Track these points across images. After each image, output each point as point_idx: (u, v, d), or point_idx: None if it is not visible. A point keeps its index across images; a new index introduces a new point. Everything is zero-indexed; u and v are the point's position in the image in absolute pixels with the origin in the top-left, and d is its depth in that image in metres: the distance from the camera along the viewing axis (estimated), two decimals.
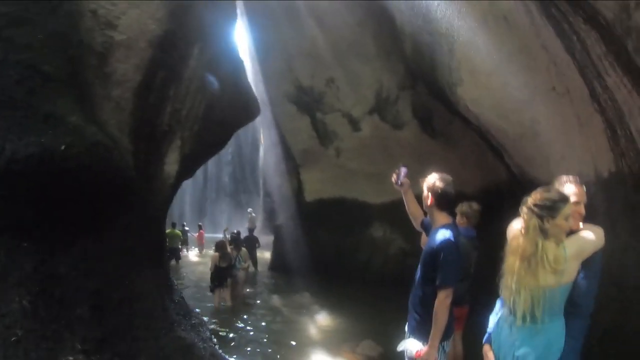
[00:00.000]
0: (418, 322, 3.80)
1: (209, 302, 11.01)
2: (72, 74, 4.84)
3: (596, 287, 3.08)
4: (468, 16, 7.06)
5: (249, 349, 7.93)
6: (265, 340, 8.45)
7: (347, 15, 12.08)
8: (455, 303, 3.78)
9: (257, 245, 16.72)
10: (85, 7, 5.18)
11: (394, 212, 12.81)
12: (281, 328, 9.36)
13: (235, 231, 14.96)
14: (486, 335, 3.39)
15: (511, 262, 3.03)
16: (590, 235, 3.01)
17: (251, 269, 15.59)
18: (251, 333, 8.86)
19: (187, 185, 36.56)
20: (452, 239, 3.59)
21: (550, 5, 5.45)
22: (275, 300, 12.20)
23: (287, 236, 16.19)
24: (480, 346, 3.41)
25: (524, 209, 3.00)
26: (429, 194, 3.80)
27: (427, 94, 10.52)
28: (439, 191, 3.74)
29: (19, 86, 4.21)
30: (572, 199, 3.05)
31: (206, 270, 12.11)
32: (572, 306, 3.01)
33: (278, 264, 16.45)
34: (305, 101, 14.37)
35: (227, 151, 38.77)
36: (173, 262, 16.86)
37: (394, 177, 4.11)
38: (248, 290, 13.06)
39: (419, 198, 4.08)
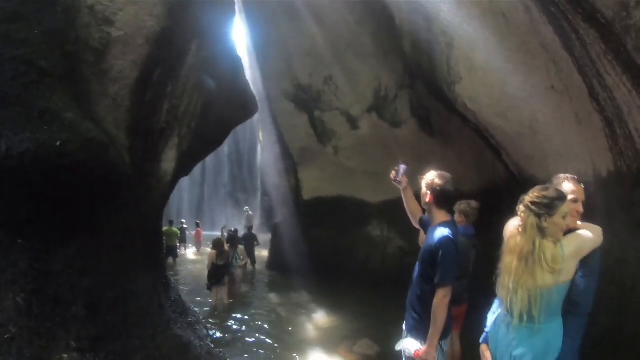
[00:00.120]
0: (416, 321, 3.77)
1: (206, 300, 10.99)
2: (68, 70, 4.82)
3: (595, 286, 3.06)
4: (467, 14, 7.03)
5: (245, 347, 7.91)
6: (262, 338, 8.43)
7: (346, 14, 12.05)
8: (453, 302, 3.76)
9: (255, 243, 16.71)
10: (83, 4, 5.17)
11: (392, 211, 12.80)
12: (278, 327, 9.33)
13: (233, 229, 14.95)
14: (483, 335, 3.37)
15: (508, 262, 3.01)
16: (588, 234, 2.99)
17: (249, 267, 15.60)
18: (248, 331, 8.83)
19: (185, 183, 36.57)
20: (450, 236, 3.56)
21: (549, 3, 5.43)
22: (273, 298, 12.18)
23: (284, 234, 16.15)
24: (478, 345, 3.40)
25: (521, 207, 2.99)
26: (428, 191, 3.77)
27: (425, 92, 10.49)
28: (438, 188, 3.72)
29: (15, 82, 4.18)
30: (570, 197, 3.03)
31: (204, 268, 12.09)
32: (570, 305, 2.99)
33: (276, 263, 16.43)
34: (304, 99, 14.33)
35: (225, 149, 38.74)
36: (170, 260, 16.82)
37: (393, 174, 4.08)
38: (245, 288, 13.02)
39: (417, 196, 4.05)
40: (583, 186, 3.23)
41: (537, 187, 3.02)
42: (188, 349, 5.85)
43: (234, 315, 9.97)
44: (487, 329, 3.36)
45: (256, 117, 13.49)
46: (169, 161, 6.64)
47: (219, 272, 10.62)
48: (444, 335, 3.68)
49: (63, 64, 4.71)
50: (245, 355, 7.60)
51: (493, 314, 3.34)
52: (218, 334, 8.26)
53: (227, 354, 7.28)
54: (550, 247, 2.86)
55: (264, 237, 20.16)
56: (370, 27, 12.01)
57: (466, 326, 5.69)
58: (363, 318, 9.50)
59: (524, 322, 2.93)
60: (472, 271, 5.69)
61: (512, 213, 3.15)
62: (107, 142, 4.94)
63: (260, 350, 7.79)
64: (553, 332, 2.95)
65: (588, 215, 3.20)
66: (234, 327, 9.13)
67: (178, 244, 19.54)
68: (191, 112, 6.90)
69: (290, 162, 15.92)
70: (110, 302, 4.88)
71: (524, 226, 2.93)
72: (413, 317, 3.82)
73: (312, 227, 15.03)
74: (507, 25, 6.54)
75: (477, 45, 7.06)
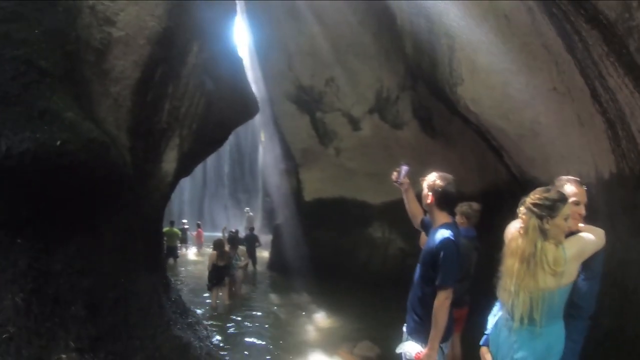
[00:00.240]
0: (417, 323, 3.75)
1: (206, 301, 10.97)
2: (69, 70, 4.81)
3: (597, 288, 3.05)
4: (469, 15, 7.02)
5: (245, 348, 7.89)
6: (262, 340, 8.42)
7: (348, 14, 12.02)
8: (454, 304, 3.73)
9: (257, 244, 16.70)
10: (84, 4, 5.17)
11: (394, 212, 12.76)
12: (278, 328, 9.32)
13: (234, 230, 14.94)
14: (484, 338, 3.35)
15: (510, 264, 2.99)
16: (590, 236, 2.97)
17: (250, 267, 15.59)
18: (248, 332, 8.81)
19: (186, 183, 36.57)
20: (452, 238, 3.54)
21: (551, 4, 5.42)
22: (273, 299, 12.17)
23: (286, 235, 16.13)
24: (479, 348, 3.38)
25: (522, 209, 2.97)
26: (429, 192, 3.75)
27: (427, 93, 10.46)
28: (440, 190, 3.69)
29: (15, 81, 4.17)
30: (572, 199, 3.01)
31: (204, 269, 12.07)
32: (572, 308, 2.97)
33: (277, 263, 16.41)
34: (305, 100, 14.32)
35: (227, 150, 38.70)
36: (171, 260, 16.80)
37: (394, 175, 4.06)
38: (246, 289, 13.00)
39: (418, 197, 4.04)
40: (585, 188, 3.21)
41: (539, 189, 3.00)
42: (188, 349, 5.85)
43: (234, 316, 9.95)
44: (487, 332, 3.34)
45: (257, 118, 13.48)
46: (170, 161, 6.64)
47: (219, 273, 10.61)
48: (445, 337, 3.65)
49: (63, 63, 4.70)
50: (245, 353, 7.60)
51: (494, 317, 3.32)
52: (218, 335, 8.23)
53: (227, 355, 7.27)
54: (552, 249, 2.84)
55: (265, 238, 20.13)
56: (371, 28, 11.99)
57: (467, 329, 5.67)
58: (363, 319, 9.47)
59: (525, 325, 2.91)
60: (473, 273, 5.66)
61: (514, 215, 3.13)
62: (108, 143, 4.94)
63: (260, 352, 7.77)
64: (554, 335, 2.93)
65: (590, 217, 3.19)
66: (234, 328, 9.10)
67: (179, 245, 19.51)
68: (192, 113, 6.89)
69: (292, 163, 15.91)
70: (111, 302, 4.87)
71: (526, 228, 2.91)
72: (414, 319, 3.79)
73: (313, 228, 15.02)
74: (509, 26, 6.53)
75: (479, 47, 7.04)
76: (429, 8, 7.77)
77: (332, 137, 14.47)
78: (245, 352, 7.68)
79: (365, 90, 13.19)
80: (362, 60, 12.72)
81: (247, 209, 28.08)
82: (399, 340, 3.97)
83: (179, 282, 12.59)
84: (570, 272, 2.87)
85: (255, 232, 17.67)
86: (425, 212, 4.01)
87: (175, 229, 18.58)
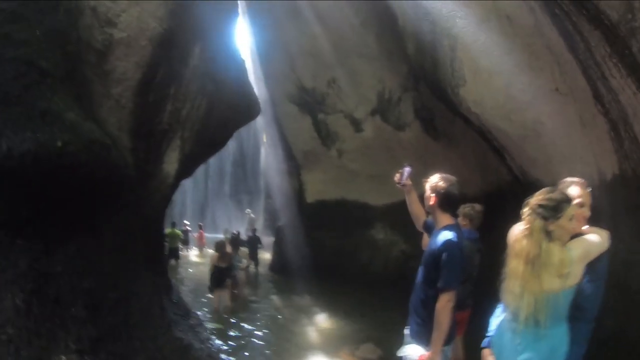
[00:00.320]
0: (419, 326, 3.71)
1: (208, 302, 10.96)
2: (70, 71, 4.80)
3: (602, 290, 3.03)
4: (471, 16, 7.02)
5: (247, 350, 7.88)
6: (263, 342, 8.41)
7: (350, 15, 12.01)
8: (457, 307, 3.70)
9: (259, 245, 16.70)
10: (85, 5, 5.15)
11: (396, 214, 12.75)
12: (280, 330, 9.30)
13: (236, 231, 14.93)
14: (486, 340, 3.32)
15: (514, 266, 2.96)
16: (595, 238, 2.95)
17: (252, 269, 15.58)
18: (250, 334, 8.80)
19: (188, 184, 36.56)
20: (455, 240, 3.51)
21: (553, 4, 5.41)
22: (275, 301, 12.15)
23: (288, 237, 16.12)
24: (481, 351, 3.35)
25: (527, 211, 2.94)
26: (432, 194, 3.72)
27: (429, 94, 10.45)
28: (442, 191, 3.66)
29: (15, 82, 4.15)
30: (576, 201, 2.99)
31: (206, 270, 12.07)
32: (577, 310, 2.95)
33: (279, 265, 16.39)
34: (307, 102, 14.32)
35: (229, 151, 38.70)
36: (173, 261, 16.77)
37: (397, 177, 4.04)
38: (248, 291, 12.99)
39: (421, 199, 4.01)
40: (590, 190, 3.19)
41: (543, 190, 2.98)
42: (189, 351, 5.83)
43: (235, 317, 9.94)
44: (490, 334, 3.31)
45: (260, 119, 13.49)
46: (171, 163, 6.64)
47: (221, 275, 10.59)
48: (448, 340, 3.62)
49: (64, 64, 4.69)
50: (247, 354, 7.58)
51: (496, 319, 3.29)
52: (219, 337, 8.21)
53: (228, 357, 7.25)
54: (557, 250, 2.82)
55: (267, 239, 20.12)
56: (373, 29, 11.98)
57: (469, 331, 5.64)
58: (365, 321, 9.46)
59: (530, 326, 2.88)
60: (475, 275, 5.63)
61: (516, 217, 3.11)
62: (109, 143, 4.92)
63: (262, 353, 7.76)
64: (559, 338, 2.91)
65: (593, 219, 3.17)
66: (236, 329, 9.09)
67: (180, 246, 19.50)
68: (194, 114, 6.89)
69: (294, 164, 15.91)
70: (111, 303, 4.85)
71: (530, 229, 2.88)
72: (416, 321, 3.76)
73: (315, 229, 15.01)
74: (512, 26, 6.52)
75: (481, 48, 7.04)
76: (431, 9, 7.77)
77: (334, 139, 14.47)
78: (247, 354, 7.68)
79: (368, 91, 13.19)
80: (364, 62, 12.72)
81: (249, 210, 28.07)
82: (400, 342, 3.95)
83: (180, 284, 12.56)
84: (575, 273, 2.84)
85: (257, 233, 17.66)
86: (428, 213, 3.98)
87: (177, 231, 18.59)
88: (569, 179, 3.22)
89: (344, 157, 14.65)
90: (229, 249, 11.32)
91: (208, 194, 41.61)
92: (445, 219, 3.72)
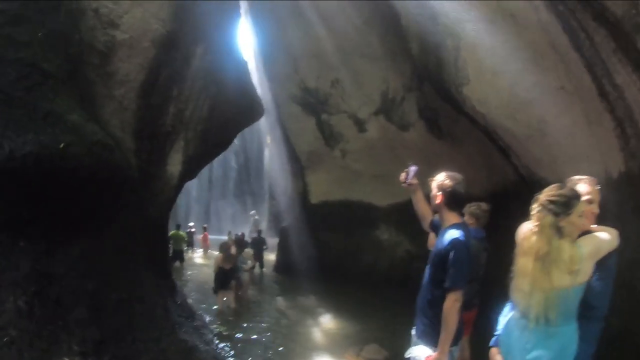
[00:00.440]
0: (426, 326, 3.66)
1: (212, 304, 10.94)
2: (72, 73, 4.80)
3: (611, 288, 2.99)
4: (475, 15, 6.98)
5: (252, 351, 7.85)
6: (268, 343, 8.38)
7: (353, 15, 11.96)
8: (463, 307, 3.66)
9: (264, 247, 16.69)
10: (87, 6, 5.16)
11: (400, 214, 12.74)
12: (285, 331, 9.27)
13: (240, 233, 14.92)
14: (494, 339, 3.28)
15: (523, 263, 2.93)
16: (605, 235, 2.92)
17: (257, 270, 15.56)
18: (254, 336, 8.77)
19: (192, 186, 36.63)
20: (462, 239, 3.46)
21: (558, 2, 5.37)
22: (280, 302, 12.12)
23: (292, 238, 16.10)
24: (488, 351, 3.31)
25: (536, 207, 2.90)
26: (439, 192, 3.68)
27: (433, 94, 10.40)
28: (449, 190, 3.61)
29: (18, 84, 4.16)
30: (585, 198, 2.95)
31: (210, 272, 12.04)
32: (585, 309, 2.91)
33: (283, 266, 16.37)
34: (311, 102, 14.29)
35: (233, 153, 38.76)
36: (177, 263, 16.77)
37: (402, 176, 3.98)
38: (252, 292, 12.96)
39: (426, 199, 3.97)
40: (598, 187, 3.15)
41: (552, 186, 2.94)
42: (193, 353, 5.81)
43: (240, 319, 9.92)
44: (497, 332, 3.27)
45: (263, 120, 13.47)
46: (175, 164, 6.63)
47: (225, 276, 10.56)
48: (455, 341, 3.57)
49: (67, 66, 4.69)
50: (251, 356, 7.55)
51: (504, 317, 3.25)
52: (224, 339, 8.19)
53: (233, 359, 7.23)
54: (567, 247, 2.78)
55: (272, 240, 20.11)
56: (377, 28, 11.93)
57: (476, 331, 5.59)
58: (370, 322, 9.43)
59: (540, 324, 2.85)
60: (482, 275, 5.58)
61: (522, 216, 3.08)
62: (113, 145, 4.92)
63: (266, 355, 7.73)
64: (568, 336, 2.87)
65: (599, 217, 3.13)
66: (241, 331, 9.06)
67: (185, 248, 19.50)
68: (197, 115, 6.88)
69: (298, 165, 15.89)
70: (114, 305, 4.84)
71: (541, 226, 2.84)
72: (423, 322, 3.71)
73: (319, 230, 14.99)
74: (516, 25, 6.48)
75: (485, 46, 7.00)
76: (435, 8, 7.73)
77: (338, 139, 14.43)
78: (252, 356, 7.65)
79: (371, 91, 13.14)
80: (367, 62, 12.68)
81: (253, 212, 28.08)
82: (406, 343, 3.91)
83: (184, 286, 12.55)
84: (586, 270, 2.81)
85: (262, 235, 17.66)
86: (434, 212, 3.94)
87: (182, 232, 18.57)
88: (576, 177, 3.18)
89: (348, 157, 14.61)
90: (233, 250, 11.29)
91: (212, 195, 41.64)
92: (452, 217, 3.67)
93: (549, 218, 2.80)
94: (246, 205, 38.07)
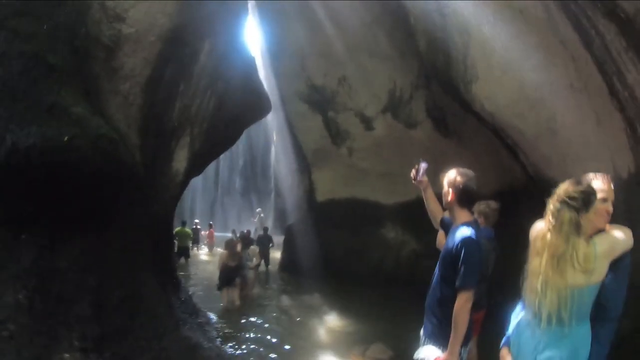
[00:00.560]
0: (436, 327, 3.58)
1: (217, 301, 10.92)
2: (78, 66, 4.78)
3: (625, 289, 2.92)
4: (483, 12, 6.91)
5: (256, 350, 7.82)
6: (273, 341, 8.34)
7: (361, 12, 11.91)
8: (472, 307, 3.59)
9: (270, 244, 16.68)
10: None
11: (407, 213, 12.68)
12: (290, 329, 9.23)
13: (246, 230, 14.90)
14: (504, 339, 3.22)
15: (537, 263, 2.85)
16: (621, 234, 2.85)
17: (262, 268, 15.54)
18: (259, 334, 8.74)
19: (198, 183, 36.71)
20: (473, 237, 3.36)
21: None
22: (285, 300, 12.08)
23: (298, 236, 16.06)
24: (496, 351, 3.25)
25: (555, 204, 2.80)
26: (450, 189, 3.59)
27: (441, 92, 10.34)
28: (461, 186, 3.52)
29: (22, 76, 4.14)
30: (600, 195, 2.88)
31: (215, 269, 12.02)
32: (599, 309, 2.85)
33: (288, 264, 16.33)
34: (318, 100, 14.25)
35: (239, 150, 38.82)
36: (182, 260, 16.78)
37: (413, 173, 3.91)
38: (257, 290, 12.94)
39: (438, 197, 3.90)
40: (612, 184, 3.08)
41: (569, 182, 2.84)
42: (197, 350, 5.78)
43: (245, 317, 9.88)
44: (508, 333, 3.21)
45: (270, 118, 13.44)
46: (180, 160, 6.60)
47: (230, 273, 10.53)
48: (465, 342, 3.50)
49: (72, 59, 4.67)
50: (255, 354, 7.52)
51: (516, 317, 3.19)
52: (228, 336, 8.17)
53: (237, 357, 7.20)
54: (583, 245, 2.71)
55: (277, 238, 20.10)
56: (384, 26, 11.88)
57: (484, 332, 5.53)
58: (376, 321, 9.36)
59: (552, 325, 2.78)
60: (490, 275, 5.50)
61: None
62: (117, 139, 4.89)
63: (271, 354, 7.70)
64: (581, 337, 2.81)
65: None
66: (245, 329, 9.04)
67: (191, 245, 19.50)
68: (203, 111, 6.85)
69: (304, 163, 15.86)
70: (117, 301, 4.80)
71: (561, 222, 2.75)
72: (432, 322, 3.62)
73: (325, 228, 14.94)
74: (525, 22, 6.41)
75: (494, 44, 6.93)
76: (443, 5, 7.67)
77: (345, 137, 14.39)
78: (255, 354, 7.61)
79: (379, 89, 13.09)
80: (375, 59, 12.63)
81: (259, 209, 28.08)
82: (412, 343, 3.85)
83: (189, 283, 12.55)
84: (601, 270, 2.74)
85: (268, 232, 17.67)
86: (445, 210, 3.87)
87: (187, 229, 18.55)
88: (591, 174, 3.10)
89: (355, 155, 14.56)
90: (239, 247, 11.26)
91: (218, 192, 41.74)
92: (463, 215, 3.59)
93: (569, 214, 2.72)
94: (252, 203, 38.11)
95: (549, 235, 2.76)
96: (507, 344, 3.14)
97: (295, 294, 12.73)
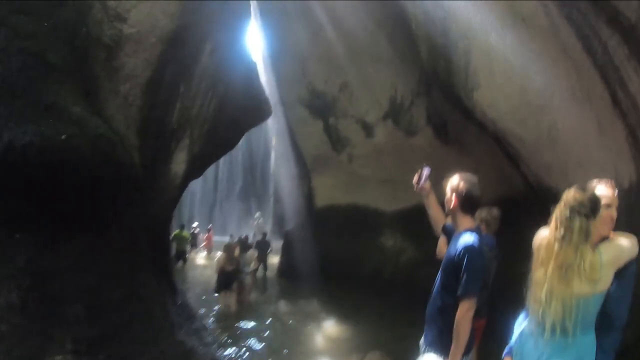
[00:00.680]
0: (436, 335, 3.51)
1: (214, 306, 10.86)
2: (78, 66, 4.76)
3: (630, 298, 2.88)
4: (485, 19, 6.89)
5: (252, 356, 7.77)
6: (269, 347, 8.29)
7: (363, 18, 11.90)
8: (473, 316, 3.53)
9: (269, 249, 16.64)
10: None
11: (406, 221, 12.63)
12: (287, 335, 9.18)
13: (244, 236, 14.87)
14: (507, 349, 3.16)
15: (541, 273, 2.80)
16: (626, 242, 2.81)
17: (260, 273, 15.49)
18: (255, 340, 8.68)
19: (198, 187, 36.72)
20: (476, 244, 3.31)
21: (570, 4, 5.29)
22: (282, 306, 12.02)
23: (296, 242, 16.03)
24: None
25: (564, 212, 2.74)
26: (453, 195, 3.54)
27: (442, 99, 10.32)
28: (464, 193, 3.45)
29: (21, 74, 4.11)
30: (604, 201, 2.84)
31: (213, 274, 11.98)
32: (604, 318, 2.81)
33: (287, 270, 16.26)
34: (319, 106, 14.23)
35: (239, 154, 38.84)
36: (180, 263, 16.71)
37: (415, 178, 3.84)
38: (255, 295, 12.88)
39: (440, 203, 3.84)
40: (617, 191, 3.04)
41: (574, 189, 2.80)
42: (192, 355, 5.73)
43: (241, 322, 9.83)
44: (511, 343, 3.16)
45: (270, 122, 13.42)
46: (179, 163, 6.56)
47: (227, 278, 10.49)
48: (466, 351, 3.44)
49: (72, 58, 4.65)
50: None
51: (519, 327, 3.14)
52: (224, 342, 8.11)
53: None
54: (589, 253, 2.67)
55: (276, 243, 20.05)
56: (386, 32, 11.86)
57: (484, 341, 5.47)
58: (373, 329, 9.31)
59: (556, 335, 2.73)
60: (492, 283, 5.44)
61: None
62: (115, 140, 4.86)
63: (267, 359, 7.65)
64: (586, 346, 2.76)
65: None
66: (241, 334, 8.98)
67: (189, 248, 19.43)
68: (204, 114, 6.82)
69: (304, 169, 15.85)
70: (113, 303, 4.75)
71: (570, 231, 2.71)
72: (433, 330, 3.56)
73: (324, 235, 14.89)
74: (528, 29, 6.39)
75: (496, 51, 6.91)
76: (445, 12, 7.65)
77: (345, 144, 14.37)
78: None
79: (379, 96, 13.07)
80: (376, 66, 12.61)
81: (258, 214, 28.05)
82: (409, 350, 3.80)
83: (186, 286, 12.49)
84: (606, 278, 2.70)
85: (266, 237, 17.64)
86: (447, 216, 3.80)
87: (185, 233, 18.48)
88: (595, 180, 3.06)
89: (355, 162, 14.54)
90: (237, 252, 11.22)
91: (217, 196, 41.72)
92: (466, 221, 3.52)
93: (580, 222, 2.68)
94: (251, 207, 38.07)
95: (556, 245, 2.71)
96: (510, 353, 3.10)
97: (293, 299, 12.66)
